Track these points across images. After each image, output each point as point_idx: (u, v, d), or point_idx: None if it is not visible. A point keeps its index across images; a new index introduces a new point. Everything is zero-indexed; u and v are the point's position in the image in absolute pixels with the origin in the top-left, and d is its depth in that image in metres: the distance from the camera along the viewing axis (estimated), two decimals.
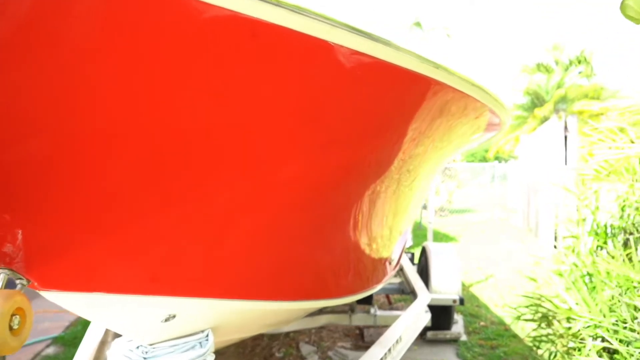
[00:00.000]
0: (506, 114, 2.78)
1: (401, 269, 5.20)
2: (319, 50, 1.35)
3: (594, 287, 3.22)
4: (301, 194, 1.77)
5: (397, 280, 5.20)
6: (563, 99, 17.67)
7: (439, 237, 11.48)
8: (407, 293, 5.01)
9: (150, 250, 1.51)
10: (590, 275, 3.29)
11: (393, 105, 1.71)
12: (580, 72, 19.34)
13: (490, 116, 2.48)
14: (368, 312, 4.24)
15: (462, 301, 4.78)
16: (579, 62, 19.28)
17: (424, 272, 5.30)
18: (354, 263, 2.56)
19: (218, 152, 1.40)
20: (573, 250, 4.04)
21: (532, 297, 3.85)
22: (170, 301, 1.59)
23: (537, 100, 19.90)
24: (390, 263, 3.09)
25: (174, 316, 1.66)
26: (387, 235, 2.91)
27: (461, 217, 16.09)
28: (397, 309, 5.95)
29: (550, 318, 3.40)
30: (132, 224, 1.42)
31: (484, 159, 27.90)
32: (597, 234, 3.78)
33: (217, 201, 1.52)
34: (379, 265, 3.01)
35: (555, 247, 8.27)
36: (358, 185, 2.10)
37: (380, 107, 1.67)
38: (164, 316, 1.65)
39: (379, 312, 4.32)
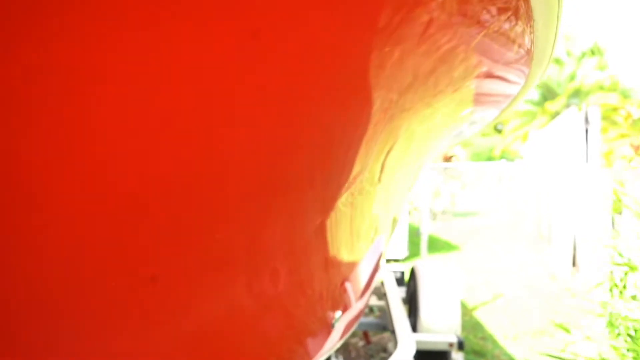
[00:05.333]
0: (543, 58, 1.39)
1: (384, 294, 4.02)
2: None
3: None
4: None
5: (379, 302, 4.05)
6: (577, 92, 16.30)
7: (439, 245, 10.26)
8: (389, 330, 3.81)
9: None
10: None
11: None
12: (594, 64, 17.97)
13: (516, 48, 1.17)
14: None
15: (461, 345, 3.54)
16: (593, 53, 17.92)
17: (413, 300, 4.10)
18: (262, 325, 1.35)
19: None
20: (618, 289, 2.81)
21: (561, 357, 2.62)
22: None
23: (547, 94, 18.50)
24: (340, 323, 1.84)
25: None
26: (337, 260, 1.71)
27: (465, 221, 14.94)
28: (380, 343, 4.72)
29: None
30: None
31: (490, 159, 26.61)
32: None
33: None
34: (316, 324, 1.79)
35: (574, 263, 6.99)
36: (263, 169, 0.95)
37: None
38: None
39: None
